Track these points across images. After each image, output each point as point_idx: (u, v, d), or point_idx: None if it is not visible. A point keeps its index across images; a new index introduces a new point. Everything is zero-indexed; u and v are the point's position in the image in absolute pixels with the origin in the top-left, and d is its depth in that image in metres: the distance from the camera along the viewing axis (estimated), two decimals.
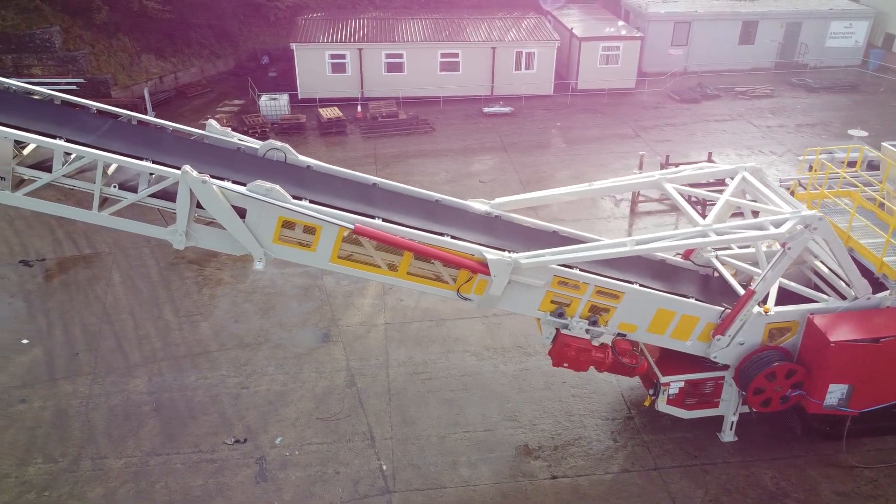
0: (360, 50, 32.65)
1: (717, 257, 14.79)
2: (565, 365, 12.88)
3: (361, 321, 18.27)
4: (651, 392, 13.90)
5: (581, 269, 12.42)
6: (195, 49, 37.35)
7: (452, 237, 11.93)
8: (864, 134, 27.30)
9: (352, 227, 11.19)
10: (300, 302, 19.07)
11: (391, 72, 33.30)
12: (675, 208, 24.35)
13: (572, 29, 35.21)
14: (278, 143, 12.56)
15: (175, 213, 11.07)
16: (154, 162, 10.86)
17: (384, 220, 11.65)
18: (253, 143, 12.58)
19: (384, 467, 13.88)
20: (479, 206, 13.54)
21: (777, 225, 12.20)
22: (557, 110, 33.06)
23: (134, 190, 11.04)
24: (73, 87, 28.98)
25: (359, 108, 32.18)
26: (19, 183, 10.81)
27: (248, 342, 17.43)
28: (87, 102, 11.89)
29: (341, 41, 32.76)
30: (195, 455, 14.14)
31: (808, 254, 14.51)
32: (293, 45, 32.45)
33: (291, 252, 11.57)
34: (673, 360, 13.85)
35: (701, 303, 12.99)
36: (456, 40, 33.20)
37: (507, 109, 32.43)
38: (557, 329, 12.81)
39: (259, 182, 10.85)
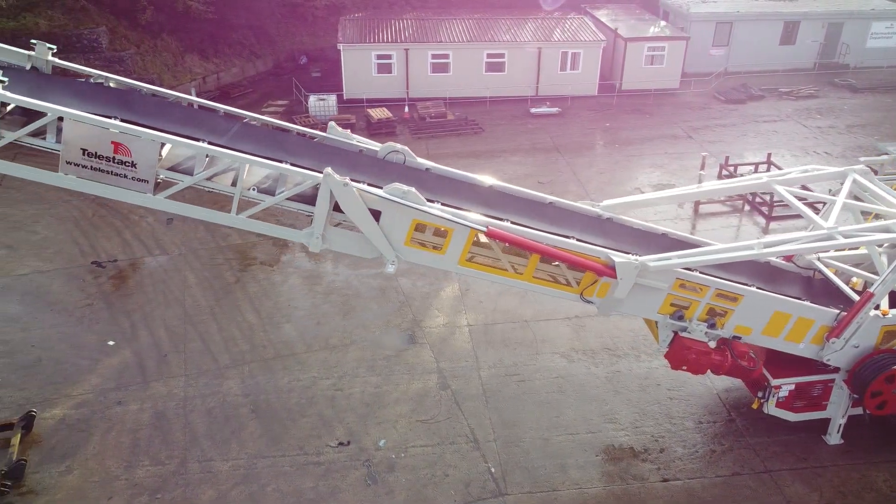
0: (406, 50, 32.62)
1: (818, 259, 14.73)
2: (684, 368, 12.84)
3: (444, 323, 18.24)
4: (760, 395, 13.85)
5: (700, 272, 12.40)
6: (236, 49, 37.34)
7: (577, 240, 11.92)
8: None
9: (484, 229, 11.18)
10: (379, 303, 19.04)
11: (436, 72, 33.28)
12: (737, 210, 24.32)
13: (616, 29, 35.16)
14: (398, 146, 12.56)
15: (300, 215, 11.13)
16: (291, 165, 10.86)
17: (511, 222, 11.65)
18: (373, 145, 12.58)
19: (493, 470, 13.85)
20: (589, 207, 13.52)
21: None
22: (604, 111, 33.03)
23: (268, 192, 11.03)
24: None
25: (406, 109, 32.15)
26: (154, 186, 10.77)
27: (333, 344, 17.41)
28: (215, 105, 11.88)
29: (387, 42, 32.72)
30: (301, 457, 14.11)
31: None
32: (340, 46, 32.43)
33: (421, 255, 11.55)
34: (781, 363, 13.80)
35: (818, 305, 12.95)
36: (502, 41, 33.15)
37: (554, 110, 32.39)
38: (675, 332, 12.78)
39: (396, 184, 10.84)
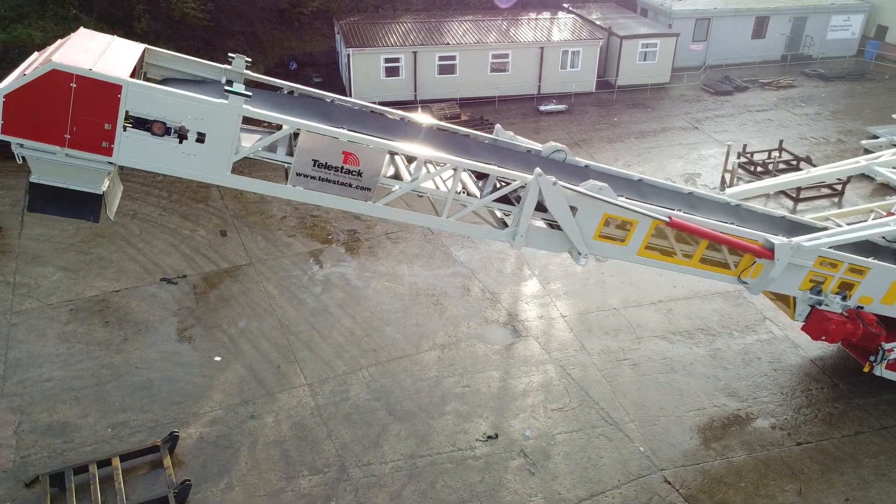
0: (414, 53, 32.89)
1: None
2: (823, 338, 13.97)
3: (539, 315, 18.85)
4: (872, 358, 15.18)
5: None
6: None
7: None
8: None
9: (667, 220, 11.92)
10: (468, 301, 19.45)
11: (443, 74, 33.70)
12: (763, 194, 25.93)
13: (610, 28, 36.55)
14: (559, 145, 13.12)
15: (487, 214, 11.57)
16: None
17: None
18: (535, 145, 13.08)
19: (641, 448, 14.61)
20: (717, 195, 14.48)
21: None
22: (607, 106, 34.33)
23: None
24: None
25: (419, 110, 32.41)
26: None
27: (441, 343, 17.73)
28: (390, 111, 12.12)
29: (395, 45, 32.91)
30: (456, 453, 14.45)
31: None
32: (349, 51, 32.35)
33: (606, 247, 12.16)
34: (887, 329, 15.17)
35: None
36: (506, 42, 33.92)
37: (561, 107, 33.43)
38: (811, 306, 13.90)
39: (592, 181, 11.44)
